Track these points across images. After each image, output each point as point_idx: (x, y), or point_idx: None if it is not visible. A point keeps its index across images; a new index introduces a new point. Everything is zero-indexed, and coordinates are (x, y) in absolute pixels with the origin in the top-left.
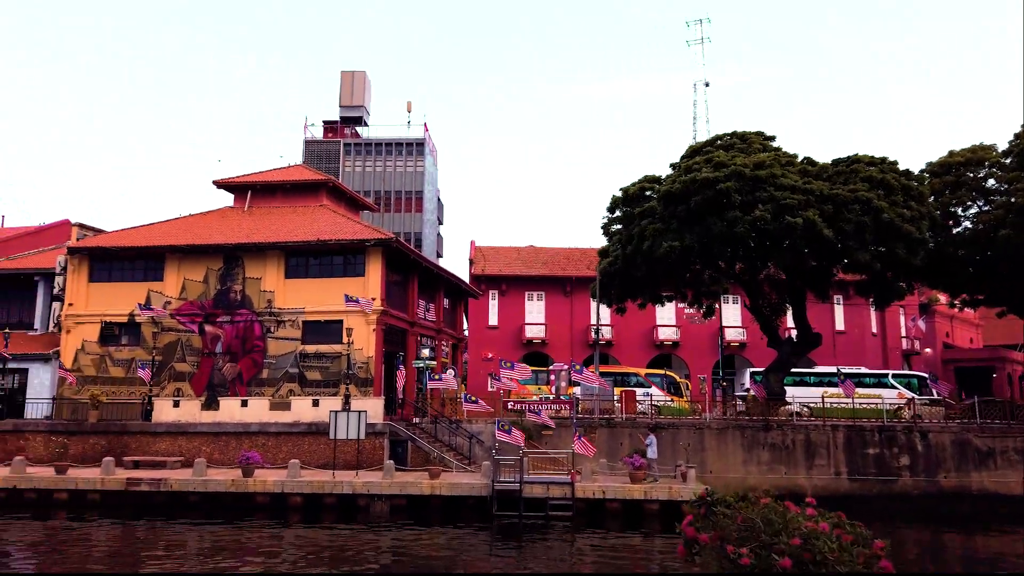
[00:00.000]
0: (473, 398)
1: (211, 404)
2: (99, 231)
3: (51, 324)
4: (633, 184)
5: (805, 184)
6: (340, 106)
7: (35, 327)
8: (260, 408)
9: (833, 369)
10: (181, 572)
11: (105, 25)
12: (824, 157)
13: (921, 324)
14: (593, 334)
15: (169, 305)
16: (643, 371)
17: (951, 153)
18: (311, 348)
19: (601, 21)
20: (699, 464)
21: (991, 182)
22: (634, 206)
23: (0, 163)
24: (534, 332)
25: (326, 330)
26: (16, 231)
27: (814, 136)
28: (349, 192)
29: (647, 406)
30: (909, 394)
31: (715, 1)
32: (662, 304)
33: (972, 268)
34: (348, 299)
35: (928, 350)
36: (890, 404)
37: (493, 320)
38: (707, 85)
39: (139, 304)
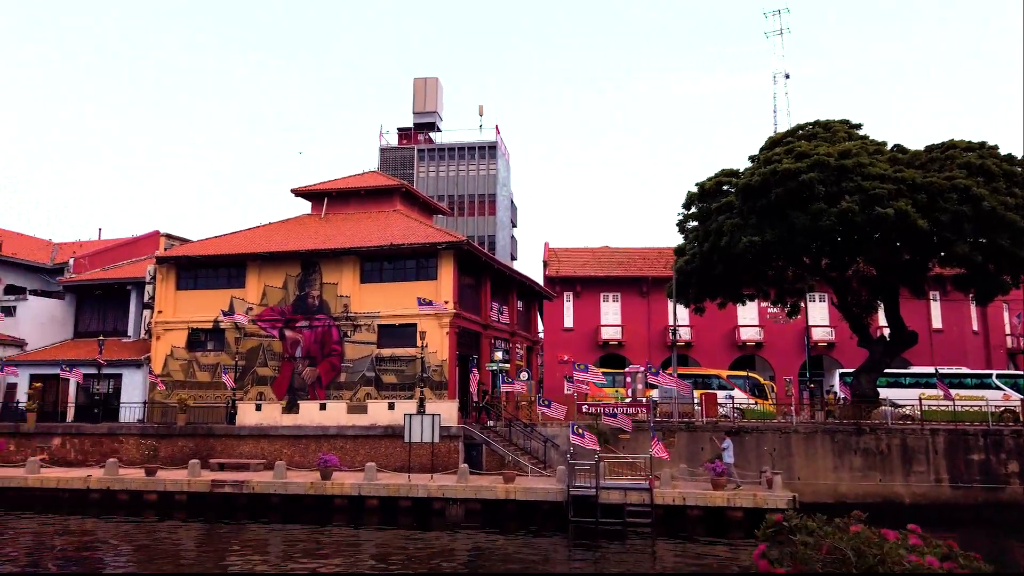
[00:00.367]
0: (546, 401)
1: (291, 407)
2: (185, 241)
3: (142, 331)
4: (709, 179)
5: (896, 173)
6: (413, 112)
7: (128, 334)
8: (338, 411)
9: (930, 369)
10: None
11: (193, 40)
12: (916, 146)
13: None
14: (671, 335)
15: (251, 311)
16: (725, 373)
17: None
18: (386, 352)
19: (671, 17)
20: (785, 470)
21: None
22: (711, 201)
23: (97, 177)
24: (610, 334)
25: (401, 334)
26: (111, 242)
27: (904, 128)
28: (422, 197)
29: (729, 409)
30: (1016, 395)
31: None
32: (743, 303)
33: None
34: (421, 302)
35: None
36: (995, 406)
37: (568, 322)
38: (787, 77)
39: (222, 311)
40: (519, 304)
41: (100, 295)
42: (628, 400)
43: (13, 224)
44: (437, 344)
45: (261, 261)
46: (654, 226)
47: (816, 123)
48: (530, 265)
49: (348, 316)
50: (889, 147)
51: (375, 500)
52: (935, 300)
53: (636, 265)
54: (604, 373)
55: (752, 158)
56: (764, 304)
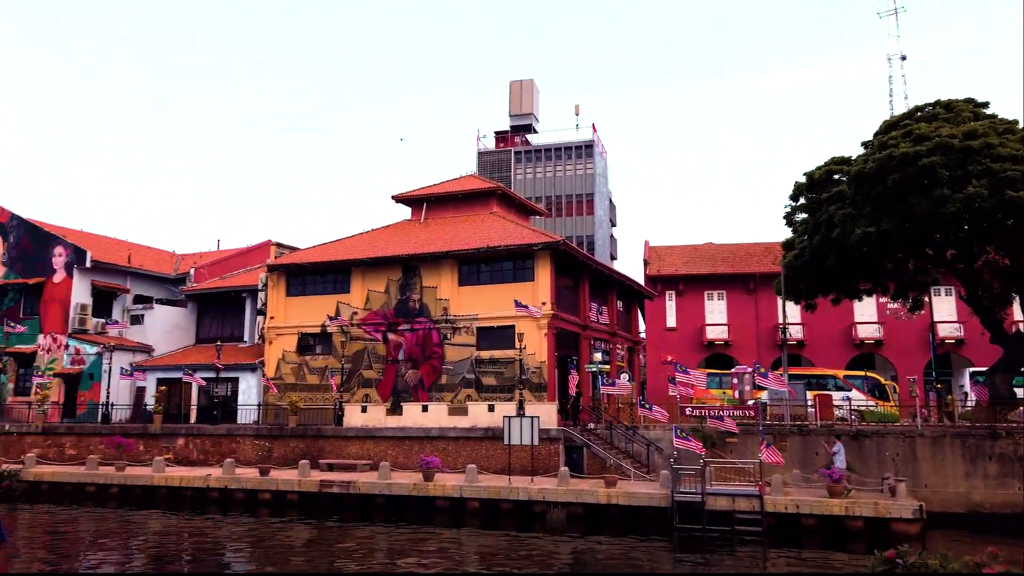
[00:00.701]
0: (647, 403)
1: (395, 409)
2: (294, 249)
3: (256, 336)
4: (819, 168)
5: None
6: (510, 115)
7: (244, 339)
8: (439, 413)
9: None
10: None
11: (295, 56)
12: None
13: None
14: (781, 334)
15: (355, 315)
16: (841, 373)
17: None
18: (485, 354)
19: (768, 8)
20: (910, 477)
21: None
22: (820, 191)
23: (215, 190)
24: (716, 333)
25: (499, 335)
26: (228, 252)
27: None
28: (518, 198)
29: (846, 411)
30: None
31: None
32: (859, 299)
33: None
34: (518, 304)
35: None
36: None
37: (671, 322)
38: (903, 59)
39: (329, 315)
40: (619, 304)
41: (218, 303)
42: (736, 402)
43: (140, 238)
44: (535, 346)
45: (364, 266)
46: (759, 221)
47: (937, 103)
48: (630, 264)
49: (447, 319)
50: (1021, 126)
51: (476, 502)
52: None
53: (742, 261)
54: (710, 374)
55: (865, 144)
56: (883, 299)
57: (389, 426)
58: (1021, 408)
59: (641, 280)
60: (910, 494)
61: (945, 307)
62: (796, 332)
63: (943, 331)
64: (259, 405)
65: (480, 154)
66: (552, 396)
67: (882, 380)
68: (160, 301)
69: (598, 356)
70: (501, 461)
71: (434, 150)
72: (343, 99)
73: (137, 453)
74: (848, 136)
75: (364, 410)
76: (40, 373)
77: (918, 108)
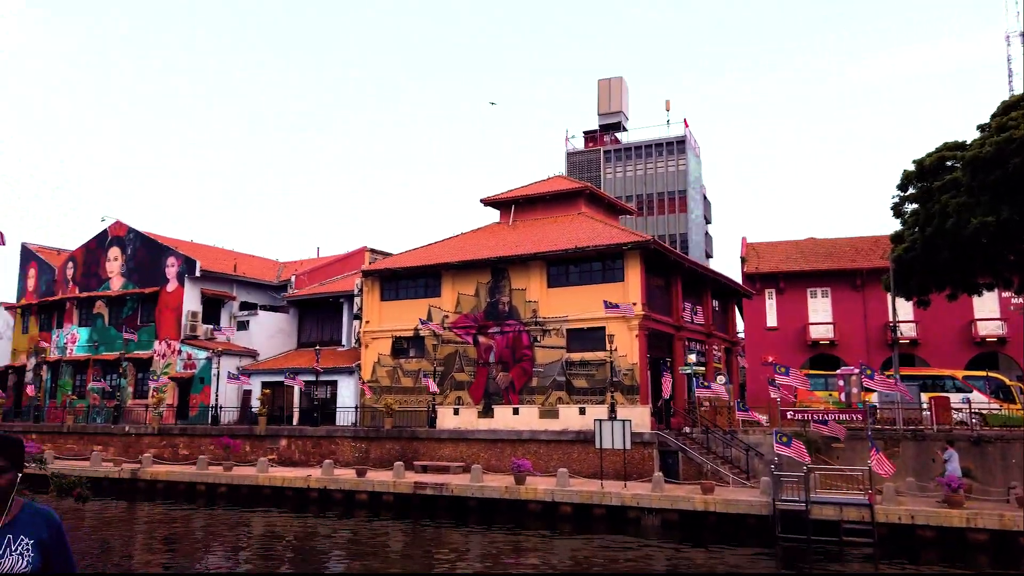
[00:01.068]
0: (744, 406)
1: (487, 412)
2: (388, 254)
3: (353, 340)
4: (929, 154)
5: None
6: (598, 114)
7: (343, 343)
8: (530, 416)
9: None
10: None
11: (377, 58)
12: None
13: None
14: (891, 332)
15: (446, 319)
16: (960, 373)
17: None
18: (576, 356)
19: None
20: None
21: None
22: (932, 180)
23: (314, 198)
24: (820, 332)
25: (589, 337)
26: (326, 259)
27: None
28: (607, 198)
29: (966, 415)
30: None
31: None
32: (978, 294)
33: None
34: (607, 305)
35: None
36: None
37: (771, 321)
38: (1023, 36)
39: (420, 319)
40: (715, 304)
41: (318, 308)
42: (842, 405)
43: (245, 247)
44: (627, 347)
45: (453, 270)
46: (865, 214)
47: None
48: (727, 263)
49: (537, 321)
50: None
51: (568, 507)
52: None
53: (847, 256)
54: (814, 375)
55: (982, 127)
56: (1007, 294)
57: (481, 428)
58: None
59: (738, 278)
60: None
61: None
62: (908, 330)
63: None
64: (356, 407)
65: (569, 154)
66: (645, 399)
67: (1007, 381)
68: (264, 307)
69: (692, 357)
70: (593, 465)
71: (523, 153)
72: (432, 104)
73: (244, 454)
74: (961, 121)
75: (456, 412)
76: (156, 377)
77: None
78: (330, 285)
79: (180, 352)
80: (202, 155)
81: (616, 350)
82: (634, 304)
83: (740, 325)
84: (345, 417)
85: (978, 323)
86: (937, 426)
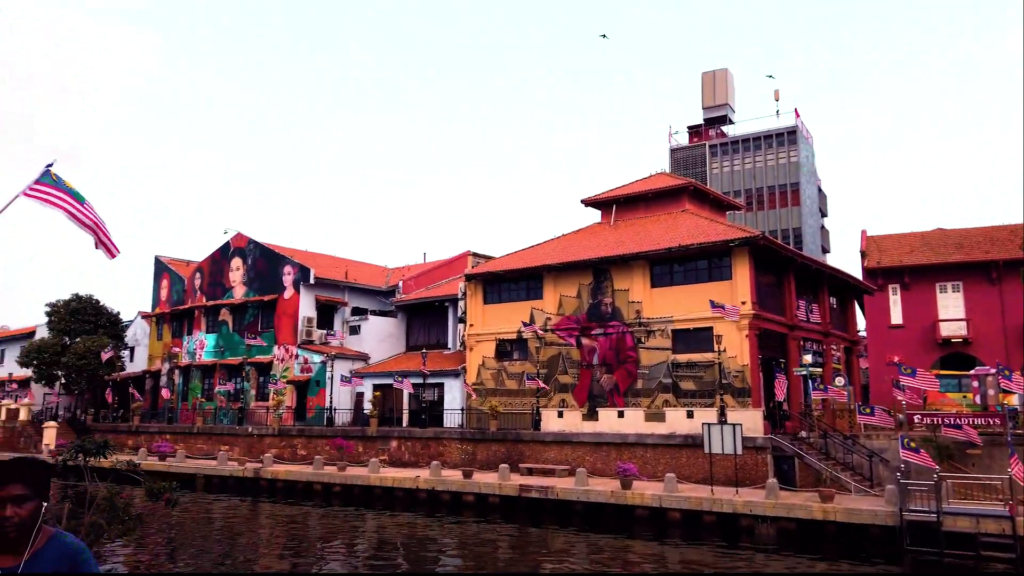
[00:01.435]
0: (868, 409)
1: (591, 414)
2: (490, 258)
3: (458, 343)
4: None
5: None
6: (703, 108)
7: (448, 346)
8: (635, 419)
9: None
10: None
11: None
12: None
13: None
14: None
15: (549, 321)
16: None
17: None
18: (682, 357)
19: None
20: None
21: None
22: None
23: (421, 204)
24: (951, 330)
25: (696, 338)
26: (432, 264)
27: None
28: (712, 193)
29: None
30: None
31: None
32: None
33: None
34: (714, 305)
35: None
36: None
37: (896, 318)
38: None
39: (523, 321)
40: (832, 301)
41: (424, 312)
42: (978, 408)
43: (355, 254)
44: (736, 348)
45: (555, 272)
46: (997, 202)
47: None
48: (846, 257)
49: (641, 322)
50: None
51: (677, 513)
52: None
53: (980, 248)
54: (945, 376)
55: None
56: None
57: (585, 431)
58: None
59: (858, 274)
60: None
61: None
62: None
63: None
64: (462, 409)
65: (673, 151)
66: (757, 402)
67: None
68: (374, 312)
69: (808, 358)
70: (702, 470)
71: (626, 152)
72: (535, 106)
73: (356, 454)
74: None
75: (560, 415)
76: (275, 381)
77: None
78: (435, 289)
79: (297, 356)
80: (314, 166)
81: (725, 351)
82: (743, 303)
83: (861, 323)
84: (452, 419)
85: None
86: None
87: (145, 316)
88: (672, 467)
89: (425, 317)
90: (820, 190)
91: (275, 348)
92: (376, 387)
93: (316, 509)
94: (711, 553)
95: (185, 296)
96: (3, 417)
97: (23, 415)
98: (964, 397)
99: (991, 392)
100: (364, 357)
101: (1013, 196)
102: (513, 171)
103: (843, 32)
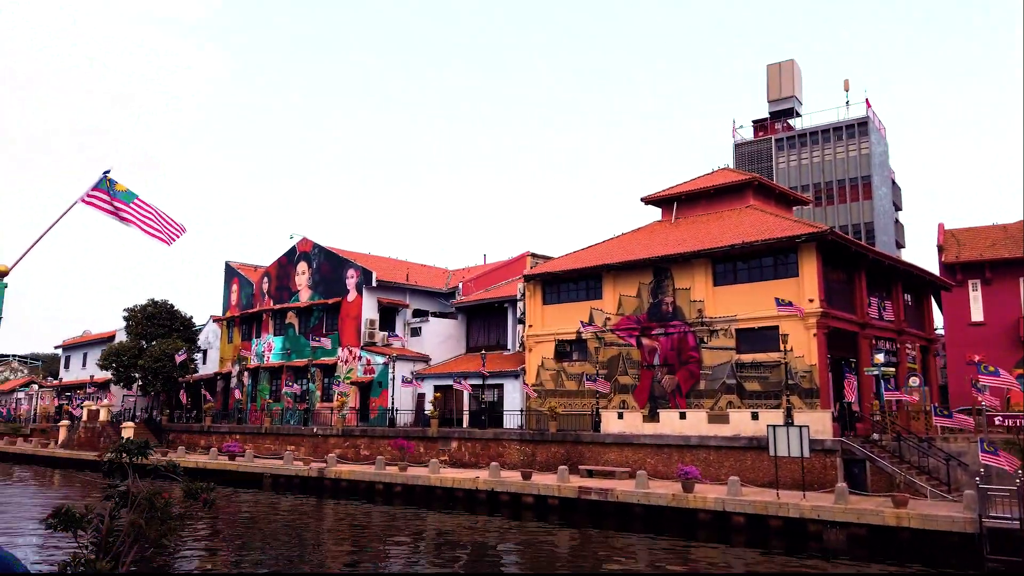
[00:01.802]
0: (945, 410)
1: (652, 416)
2: (548, 258)
3: (517, 344)
4: None
5: None
6: (768, 101)
7: (508, 347)
8: (698, 420)
9: None
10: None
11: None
12: None
13: None
14: None
15: (608, 321)
16: None
17: None
18: (747, 357)
19: None
20: None
21: None
22: None
23: (482, 206)
24: None
25: (761, 337)
26: (491, 266)
27: None
28: (777, 188)
29: None
30: None
31: None
32: None
33: None
34: (779, 303)
35: None
36: None
37: (976, 315)
38: None
39: (582, 322)
40: (907, 298)
41: (484, 313)
42: None
43: (416, 256)
44: (803, 347)
45: (614, 271)
46: None
47: None
48: (923, 252)
49: (703, 321)
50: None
51: (741, 517)
52: None
53: None
54: None
55: None
56: None
57: (646, 433)
58: None
59: (935, 269)
60: None
61: None
62: None
63: None
64: (521, 411)
65: (737, 146)
66: (826, 403)
67: None
68: (434, 314)
69: (880, 357)
70: (767, 474)
71: (688, 149)
72: (591, 103)
73: (418, 455)
74: None
75: (620, 416)
76: (339, 382)
77: None
78: (495, 291)
79: (360, 358)
80: (375, 170)
81: (791, 350)
82: (811, 300)
83: (939, 321)
84: (511, 420)
85: None
86: None
87: (216, 320)
88: (736, 470)
89: (485, 318)
90: (894, 183)
91: (339, 350)
92: (436, 388)
93: (378, 508)
94: (775, 558)
95: (254, 300)
96: (85, 418)
97: (103, 416)
98: None
99: None
100: (425, 358)
101: None
102: (574, 171)
103: (917, 17)
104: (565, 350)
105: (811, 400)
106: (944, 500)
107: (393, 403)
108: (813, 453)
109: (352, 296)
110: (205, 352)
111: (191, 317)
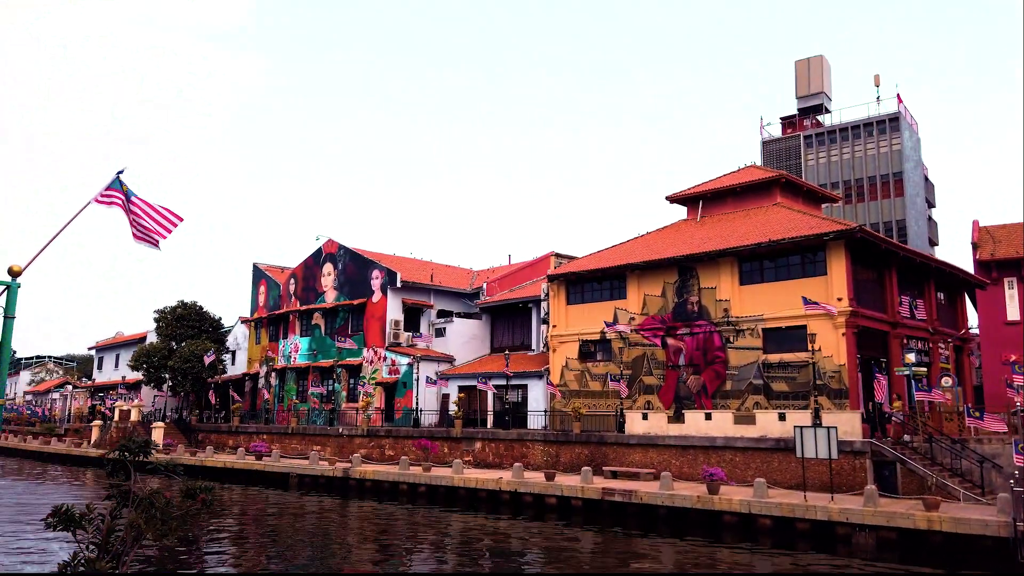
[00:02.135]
0: (978, 412)
1: (677, 417)
2: (573, 258)
3: (541, 344)
4: None
5: None
6: (796, 97)
7: (532, 348)
8: (724, 422)
9: None
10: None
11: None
12: None
13: None
14: None
15: (633, 321)
16: None
17: None
18: (774, 357)
19: None
20: None
21: None
22: None
23: (506, 207)
24: None
25: (788, 337)
26: (516, 266)
27: None
28: (806, 185)
29: None
30: None
31: None
32: None
33: None
34: (807, 302)
35: None
36: None
37: (1012, 314)
38: None
39: (606, 322)
40: (940, 296)
41: (508, 313)
42: None
43: (440, 256)
44: (832, 347)
45: (638, 271)
46: None
47: None
48: (958, 250)
49: (729, 321)
50: None
51: (767, 520)
52: None
53: None
54: None
55: None
56: None
57: (671, 434)
58: None
59: (970, 267)
60: None
61: None
62: None
63: None
64: (545, 411)
65: (764, 143)
66: (855, 404)
67: None
68: (459, 314)
69: (911, 357)
70: (794, 476)
71: (714, 147)
72: (616, 102)
73: (442, 455)
74: None
75: (645, 417)
76: (364, 383)
77: None
78: (519, 291)
79: (385, 358)
80: (401, 171)
81: (819, 350)
82: (839, 299)
83: (973, 320)
84: (535, 421)
85: None
86: None
87: (244, 321)
88: (762, 472)
89: (509, 319)
90: (927, 179)
91: (364, 350)
92: (461, 388)
93: (401, 508)
94: (803, 561)
95: (281, 301)
96: (117, 418)
97: (134, 416)
98: None
99: None
100: (449, 359)
101: None
102: (599, 171)
103: (950, 9)
104: (589, 350)
105: (840, 401)
106: (978, 503)
107: (417, 403)
108: (842, 455)
109: (377, 297)
110: (234, 353)
111: (220, 318)
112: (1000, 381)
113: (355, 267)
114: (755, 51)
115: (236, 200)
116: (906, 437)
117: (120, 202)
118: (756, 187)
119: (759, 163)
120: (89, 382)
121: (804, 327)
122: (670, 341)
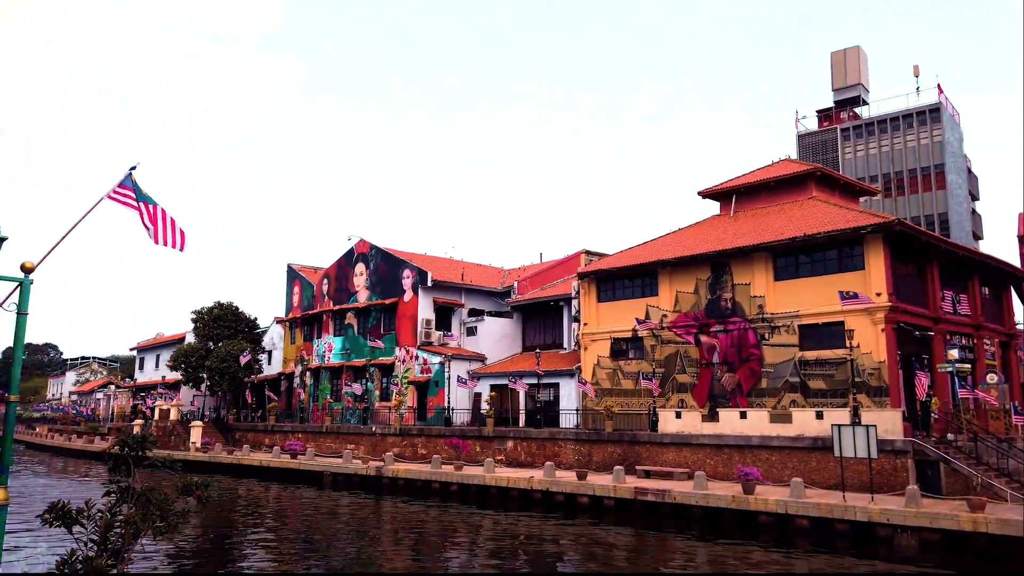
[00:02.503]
0: (1022, 409)
1: (712, 415)
2: (603, 255)
3: (573, 343)
4: None
5: None
6: (833, 90)
7: (563, 346)
8: (759, 420)
9: None
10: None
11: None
12: None
13: None
14: None
15: (665, 318)
16: None
17: None
18: (811, 354)
19: None
20: None
21: None
22: None
23: (537, 205)
24: None
25: (825, 333)
26: (547, 264)
27: None
28: (842, 179)
29: None
30: None
31: None
32: None
33: None
34: (843, 296)
35: None
36: None
37: None
38: None
39: (637, 319)
40: (985, 291)
41: (539, 312)
42: None
43: (471, 255)
44: (871, 344)
45: (670, 267)
46: None
47: None
48: (1003, 243)
49: (764, 317)
50: None
51: (805, 520)
52: None
53: None
54: None
55: None
56: None
57: (705, 433)
58: None
59: (1016, 261)
60: None
61: None
62: None
63: None
64: (577, 410)
65: (800, 137)
66: (896, 402)
67: None
68: (490, 313)
69: (954, 353)
70: (832, 475)
71: (749, 142)
72: (647, 97)
73: (474, 454)
74: None
75: (678, 416)
76: (396, 382)
77: None
78: (550, 289)
79: (417, 357)
80: (432, 170)
81: (858, 347)
82: (878, 295)
83: (1020, 315)
84: (567, 419)
85: None
86: None
87: (280, 321)
88: (799, 471)
89: (540, 317)
90: (970, 171)
91: (396, 350)
92: (492, 387)
93: (433, 507)
94: (843, 563)
95: (314, 301)
96: (156, 417)
97: (173, 415)
98: None
99: None
100: (481, 358)
101: None
102: (630, 167)
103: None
104: (621, 348)
105: (880, 399)
106: None
107: (449, 402)
108: (882, 454)
109: (408, 296)
110: (270, 353)
111: (255, 319)
112: None
113: (386, 267)
114: (791, 44)
115: (270, 201)
116: (950, 436)
117: (133, 203)
118: (790, 181)
119: (795, 156)
120: (131, 382)
121: (842, 323)
122: (703, 338)
